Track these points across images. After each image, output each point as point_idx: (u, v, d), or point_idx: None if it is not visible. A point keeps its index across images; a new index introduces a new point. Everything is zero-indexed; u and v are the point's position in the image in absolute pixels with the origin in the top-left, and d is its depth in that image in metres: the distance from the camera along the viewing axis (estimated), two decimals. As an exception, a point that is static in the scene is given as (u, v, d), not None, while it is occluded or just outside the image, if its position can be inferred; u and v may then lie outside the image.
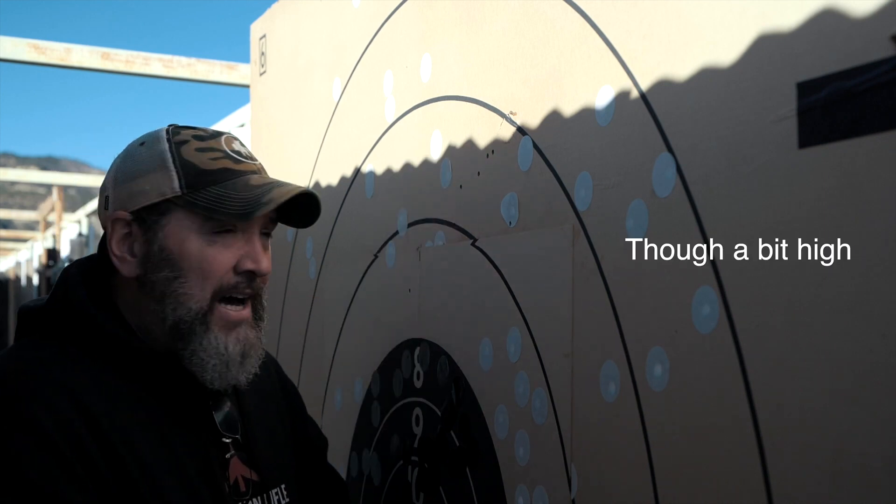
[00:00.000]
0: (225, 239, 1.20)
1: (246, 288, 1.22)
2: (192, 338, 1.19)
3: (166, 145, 1.23)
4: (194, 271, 1.19)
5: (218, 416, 1.27)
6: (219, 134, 1.26)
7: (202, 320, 1.19)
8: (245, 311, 1.23)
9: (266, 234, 1.27)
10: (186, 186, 1.19)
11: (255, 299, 1.26)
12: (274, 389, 1.44)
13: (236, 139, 1.28)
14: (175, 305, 1.19)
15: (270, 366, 1.46)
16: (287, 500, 1.30)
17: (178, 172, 1.20)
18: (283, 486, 1.31)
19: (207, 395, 1.25)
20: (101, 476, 1.11)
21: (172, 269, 1.19)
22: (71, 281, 1.23)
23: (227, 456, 1.25)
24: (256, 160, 1.27)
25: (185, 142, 1.23)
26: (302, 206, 1.26)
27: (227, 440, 1.26)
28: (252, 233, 1.23)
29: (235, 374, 1.21)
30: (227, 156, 1.23)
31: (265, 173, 1.27)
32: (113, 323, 1.20)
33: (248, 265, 1.21)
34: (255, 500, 1.26)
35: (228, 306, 1.22)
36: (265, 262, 1.22)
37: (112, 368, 1.18)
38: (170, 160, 1.21)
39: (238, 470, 1.26)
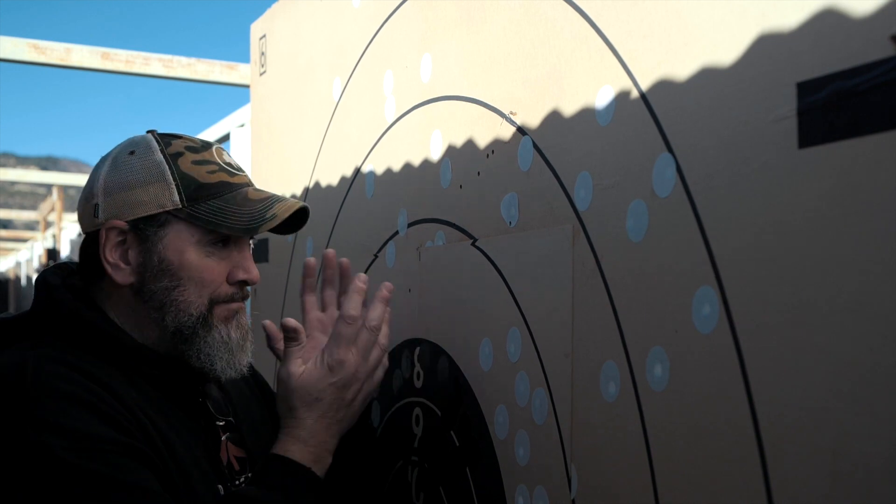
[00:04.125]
0: (221, 251, 1.26)
1: (240, 297, 1.30)
2: (195, 339, 1.25)
3: (161, 157, 1.26)
4: (193, 281, 1.24)
5: (209, 402, 1.33)
6: (209, 145, 1.32)
7: (203, 323, 1.25)
8: (240, 303, 1.31)
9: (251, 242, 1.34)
10: (187, 199, 1.23)
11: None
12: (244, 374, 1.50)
13: (224, 150, 1.33)
14: (175, 313, 1.24)
15: None
16: None
17: (177, 185, 1.24)
18: None
19: (197, 382, 1.30)
20: (135, 435, 1.15)
21: (172, 279, 1.24)
22: (51, 286, 1.26)
23: (223, 439, 1.31)
24: (244, 172, 1.33)
25: (180, 154, 1.27)
26: (292, 217, 1.31)
27: (221, 423, 1.32)
28: (244, 244, 1.30)
29: (240, 360, 1.28)
30: (223, 168, 1.28)
31: (253, 184, 1.33)
32: (101, 319, 1.23)
33: (241, 275, 1.27)
34: (250, 475, 1.32)
35: (230, 303, 1.29)
36: (255, 272, 1.30)
37: (108, 362, 1.21)
38: (168, 172, 1.24)
39: (231, 451, 1.32)
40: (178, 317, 1.23)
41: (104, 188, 1.25)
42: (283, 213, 1.25)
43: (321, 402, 1.28)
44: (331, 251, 1.51)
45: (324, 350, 1.32)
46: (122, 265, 1.24)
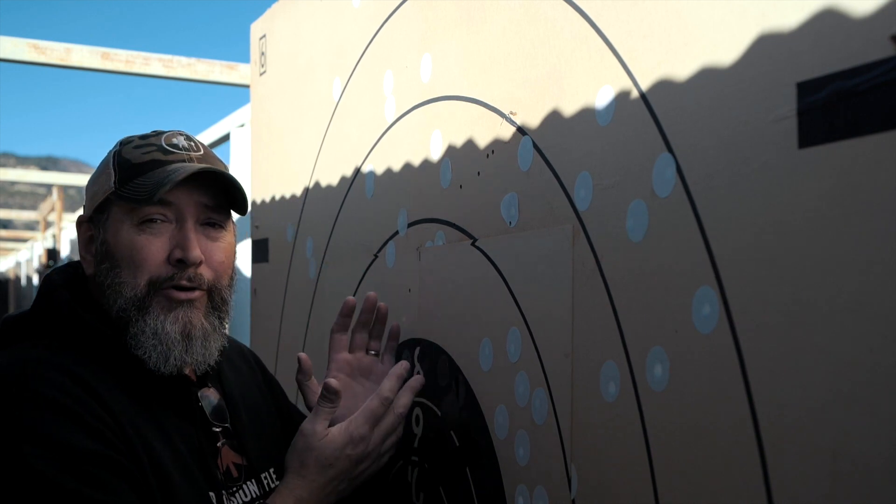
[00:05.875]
0: (154, 228, 1.23)
1: (182, 279, 1.23)
2: (129, 325, 1.21)
3: (115, 149, 1.29)
4: (125, 261, 1.22)
5: (207, 406, 1.30)
6: (165, 132, 1.30)
7: (139, 306, 1.21)
8: (192, 294, 1.24)
9: (211, 224, 1.27)
10: (118, 182, 1.24)
11: (211, 291, 1.27)
12: (255, 377, 1.48)
13: (182, 134, 1.30)
14: (115, 296, 1.22)
15: (249, 356, 1.51)
16: (276, 483, 1.33)
17: (114, 170, 1.25)
18: (271, 471, 1.34)
19: (194, 386, 1.28)
20: (116, 446, 1.12)
21: (110, 260, 1.23)
22: (53, 285, 1.27)
23: (219, 444, 1.28)
24: (196, 151, 1.28)
25: (128, 143, 1.28)
26: (233, 190, 1.27)
27: (218, 429, 1.29)
28: (184, 221, 1.24)
29: (180, 356, 1.22)
30: (160, 149, 1.26)
31: (204, 162, 1.27)
32: (97, 320, 1.23)
33: (177, 254, 1.22)
34: (248, 483, 1.30)
35: (173, 290, 1.23)
36: (194, 251, 1.22)
37: (103, 364, 1.20)
38: (111, 161, 1.27)
39: (229, 457, 1.30)
40: (117, 300, 1.21)
41: (85, 188, 1.32)
42: (176, 178, 1.20)
43: (333, 468, 1.28)
44: (373, 294, 1.49)
45: (350, 421, 1.31)
46: (89, 257, 1.27)
